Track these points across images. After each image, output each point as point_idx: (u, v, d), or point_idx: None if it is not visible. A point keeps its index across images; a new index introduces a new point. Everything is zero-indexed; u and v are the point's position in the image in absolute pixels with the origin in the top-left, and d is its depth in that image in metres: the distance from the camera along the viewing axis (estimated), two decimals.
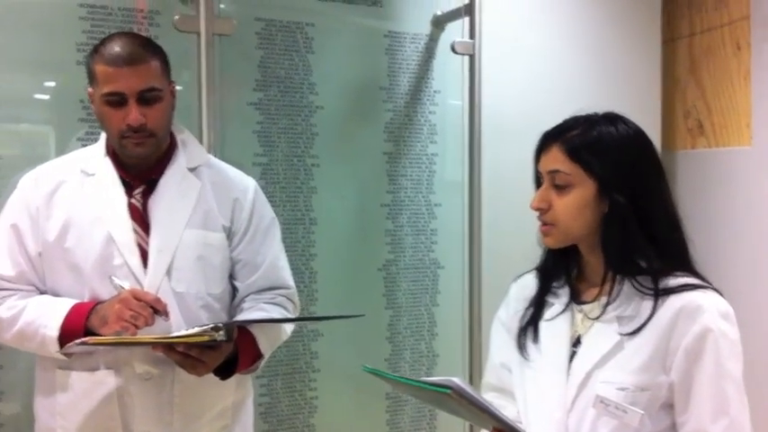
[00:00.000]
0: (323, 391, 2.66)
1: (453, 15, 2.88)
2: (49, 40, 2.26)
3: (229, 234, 1.88)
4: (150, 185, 1.83)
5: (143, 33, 2.24)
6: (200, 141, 2.22)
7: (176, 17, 2.38)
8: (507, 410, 1.57)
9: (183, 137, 1.92)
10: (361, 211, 2.77)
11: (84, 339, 1.61)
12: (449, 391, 1.26)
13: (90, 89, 1.80)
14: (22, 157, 2.22)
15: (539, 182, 1.57)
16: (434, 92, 2.88)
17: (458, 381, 1.28)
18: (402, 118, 2.82)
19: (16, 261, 1.79)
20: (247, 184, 1.95)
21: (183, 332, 1.65)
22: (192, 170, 1.88)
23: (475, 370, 2.88)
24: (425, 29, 2.86)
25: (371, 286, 2.77)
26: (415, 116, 2.85)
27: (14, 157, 2.22)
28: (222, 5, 2.47)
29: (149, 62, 1.75)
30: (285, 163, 2.62)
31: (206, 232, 1.84)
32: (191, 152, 1.90)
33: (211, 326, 1.65)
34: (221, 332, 1.63)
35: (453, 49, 2.85)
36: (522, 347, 1.60)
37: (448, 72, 2.88)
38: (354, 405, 2.73)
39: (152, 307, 1.67)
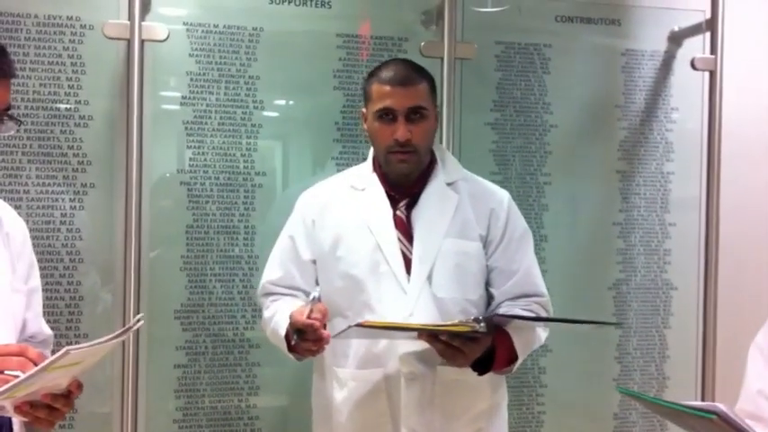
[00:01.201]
0: (550, 406, 2.69)
1: (692, 31, 2.82)
2: (310, 67, 2.48)
3: (485, 243, 1.98)
4: (413, 199, 1.97)
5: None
6: None
7: (422, 43, 2.53)
8: None
9: (442, 154, 2.05)
10: (591, 230, 2.78)
11: (361, 322, 1.73)
12: (714, 416, 1.25)
13: (363, 109, 1.98)
14: (283, 173, 2.45)
15: None
16: (672, 109, 2.82)
17: (722, 407, 1.26)
18: (637, 136, 2.79)
19: (285, 267, 2.00)
20: (502, 196, 2.05)
21: (448, 322, 1.77)
22: (450, 184, 2.00)
23: (707, 394, 2.80)
24: (663, 45, 2.81)
25: (601, 305, 2.77)
26: (651, 134, 2.81)
27: (276, 172, 2.46)
28: (464, 31, 2.58)
29: (418, 84, 1.90)
30: (518, 180, 2.69)
31: (464, 241, 1.96)
32: (449, 168, 2.03)
33: (473, 318, 1.75)
34: (482, 324, 1.73)
35: (693, 66, 2.79)
36: None
37: (686, 89, 2.82)
38: (581, 423, 2.73)
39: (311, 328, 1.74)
